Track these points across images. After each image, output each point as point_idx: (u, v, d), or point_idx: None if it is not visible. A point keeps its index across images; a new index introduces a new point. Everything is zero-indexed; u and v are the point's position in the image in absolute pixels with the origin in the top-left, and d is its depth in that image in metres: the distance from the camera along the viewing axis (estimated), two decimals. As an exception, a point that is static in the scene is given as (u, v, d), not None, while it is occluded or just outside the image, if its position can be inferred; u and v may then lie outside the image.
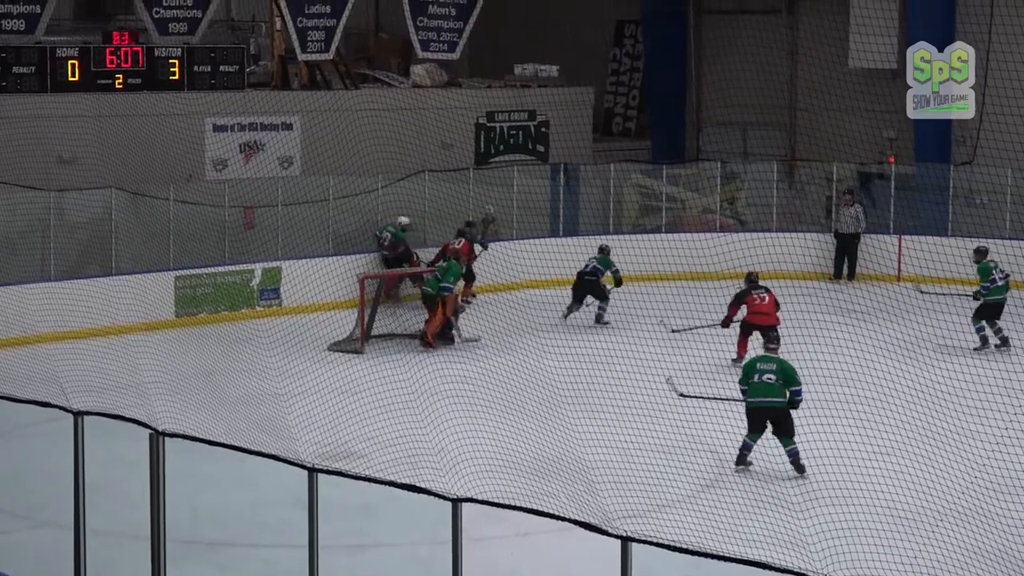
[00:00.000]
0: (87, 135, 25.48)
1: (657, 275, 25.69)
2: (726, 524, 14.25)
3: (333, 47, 29.34)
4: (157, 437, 10.78)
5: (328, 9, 28.93)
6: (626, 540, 8.86)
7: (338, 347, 22.73)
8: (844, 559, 12.87)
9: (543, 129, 32.02)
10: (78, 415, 11.27)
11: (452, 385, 18.65)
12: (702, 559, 8.81)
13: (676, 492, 15.60)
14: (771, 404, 16.38)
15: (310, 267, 25.01)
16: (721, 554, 8.80)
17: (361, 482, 10.34)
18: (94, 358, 19.82)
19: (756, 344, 20.38)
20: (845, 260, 28.87)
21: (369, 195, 27.12)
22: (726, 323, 22.13)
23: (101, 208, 24.47)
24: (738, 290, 22.18)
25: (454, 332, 23.21)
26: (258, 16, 32.92)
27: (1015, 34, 28.06)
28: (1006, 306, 22.97)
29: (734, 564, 8.66)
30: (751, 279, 22.21)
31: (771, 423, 16.39)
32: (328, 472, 10.16)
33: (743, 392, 16.71)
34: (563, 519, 9.41)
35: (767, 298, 21.70)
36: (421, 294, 23.95)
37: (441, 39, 30.89)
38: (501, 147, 31.49)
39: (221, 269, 25.17)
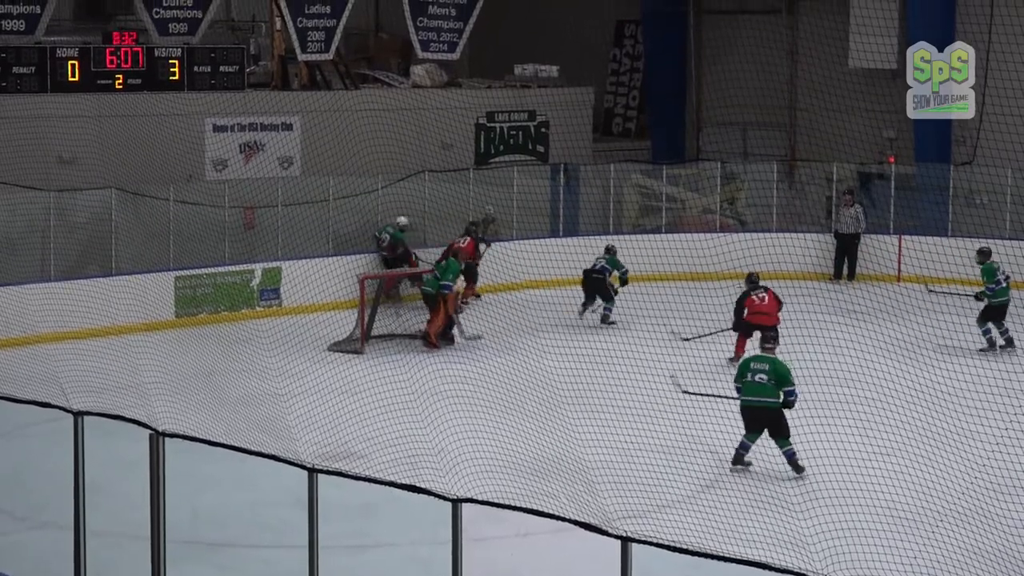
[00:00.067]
0: (87, 135, 25.49)
1: (657, 275, 25.69)
2: (726, 524, 14.25)
3: (333, 47, 29.34)
4: (157, 437, 10.78)
5: (328, 9, 28.93)
6: (626, 540, 8.86)
7: (338, 347, 22.73)
8: (844, 559, 12.87)
9: (543, 129, 32.03)
10: (78, 415, 11.27)
11: (452, 385, 18.65)
12: (702, 559, 8.81)
13: (676, 492, 15.61)
14: (763, 404, 16.40)
15: (310, 267, 25.01)
16: (721, 554, 8.80)
17: (361, 482, 10.34)
18: (94, 358, 19.82)
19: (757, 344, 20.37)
20: (845, 260, 28.87)
21: (369, 195, 27.12)
22: (737, 327, 22.12)
23: (101, 208, 24.47)
24: (740, 292, 22.19)
25: (455, 331, 23.21)
26: (258, 16, 32.93)
27: (1015, 34, 28.07)
28: (1008, 307, 22.97)
29: (734, 564, 8.66)
30: (751, 280, 22.22)
31: (765, 424, 16.41)
32: (328, 472, 10.16)
33: (737, 391, 16.77)
34: (563, 519, 9.41)
35: (766, 298, 21.73)
36: (421, 294, 23.94)
37: (441, 39, 30.89)
38: (501, 147, 31.49)
39: (221, 269, 25.17)
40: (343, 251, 26.41)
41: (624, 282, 25.08)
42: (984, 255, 23.37)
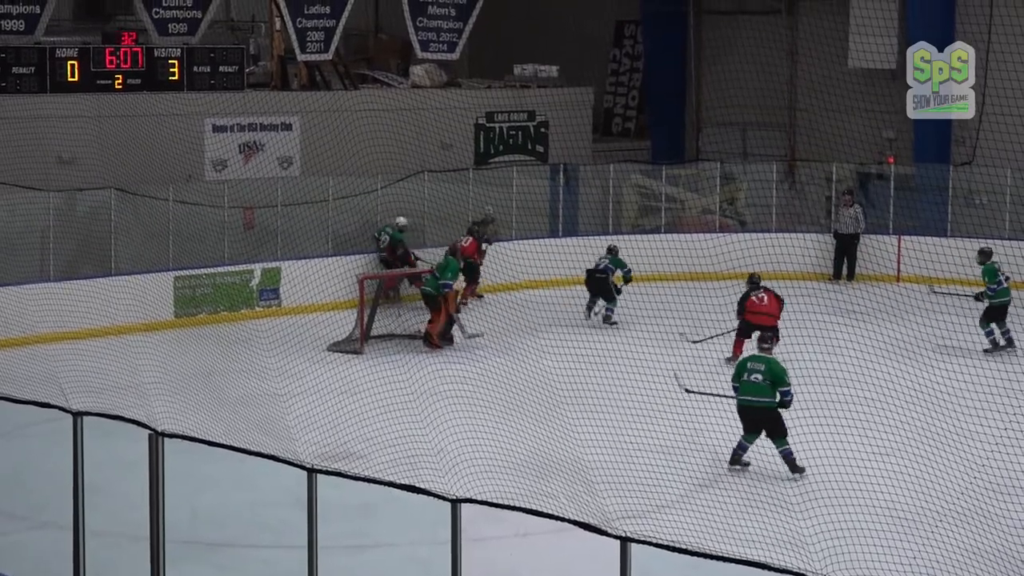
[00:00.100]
0: (86, 135, 25.49)
1: (656, 275, 25.67)
2: (725, 524, 14.25)
3: (332, 48, 29.35)
4: (156, 437, 10.78)
5: (327, 10, 28.94)
6: (625, 540, 8.86)
7: (337, 347, 22.73)
8: (843, 559, 12.88)
9: (542, 129, 32.03)
10: (77, 415, 11.27)
11: (451, 386, 18.64)
12: (701, 559, 8.81)
13: (675, 492, 15.62)
14: (757, 404, 16.43)
15: (309, 267, 25.00)
16: (720, 554, 8.81)
17: (360, 483, 10.34)
18: (93, 358, 19.82)
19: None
20: (844, 260, 28.88)
21: (368, 195, 27.12)
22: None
23: (100, 208, 24.47)
24: (741, 292, 22.22)
25: (455, 330, 23.20)
26: (257, 16, 32.94)
27: (1014, 34, 28.07)
28: (1009, 307, 22.96)
29: (733, 564, 8.67)
30: (752, 281, 22.26)
31: (761, 423, 16.43)
32: (327, 472, 10.16)
33: (735, 390, 16.79)
34: (562, 519, 9.41)
35: (765, 299, 21.79)
36: (422, 295, 23.90)
37: (441, 39, 30.89)
38: (500, 147, 31.50)
39: (220, 269, 25.17)
40: (342, 251, 26.41)
41: (628, 280, 25.12)
42: (985, 255, 23.36)
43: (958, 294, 23.24)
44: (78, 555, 11.46)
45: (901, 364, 20.16)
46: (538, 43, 34.31)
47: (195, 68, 27.24)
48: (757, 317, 21.49)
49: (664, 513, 14.73)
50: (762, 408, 16.39)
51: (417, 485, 9.98)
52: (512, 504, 9.90)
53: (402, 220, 26.55)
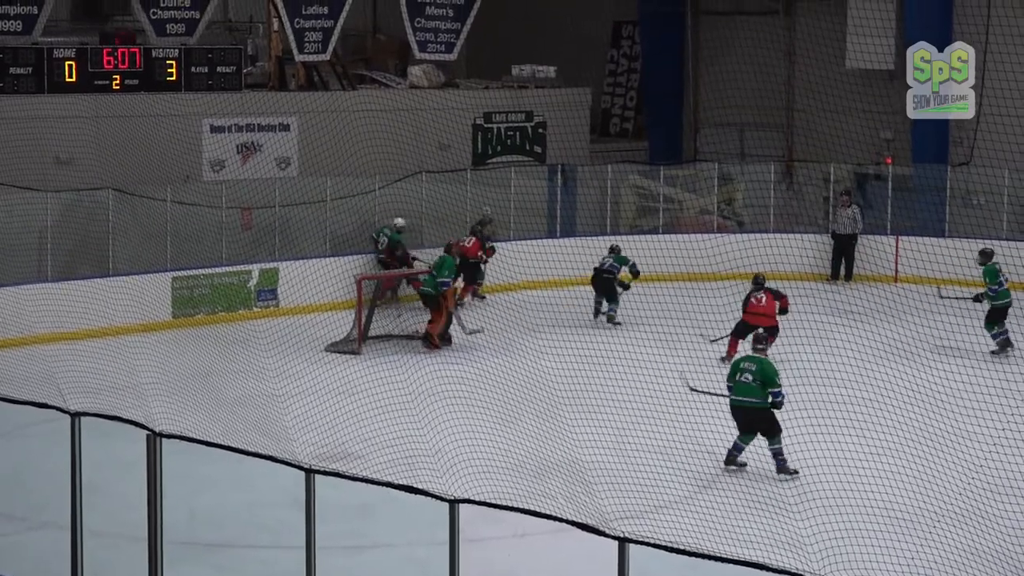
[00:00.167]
0: (84, 136, 25.47)
1: (655, 276, 25.68)
2: (723, 525, 14.25)
3: (330, 48, 29.35)
4: (154, 438, 10.78)
5: (325, 10, 28.93)
6: (623, 541, 8.86)
7: (335, 348, 22.73)
8: (841, 560, 12.88)
9: (540, 130, 32.03)
10: (75, 416, 11.27)
11: (449, 386, 18.64)
12: (699, 560, 8.81)
13: (673, 493, 15.62)
14: (748, 404, 16.50)
15: (307, 268, 25.00)
16: (718, 555, 8.81)
17: (358, 483, 10.34)
18: (91, 359, 19.82)
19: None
20: (842, 261, 28.89)
21: (366, 196, 27.12)
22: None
23: (98, 209, 24.46)
24: (740, 292, 22.29)
25: (453, 329, 23.19)
26: (255, 17, 32.90)
27: (1012, 35, 28.11)
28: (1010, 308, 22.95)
29: (731, 565, 8.67)
30: (756, 281, 22.37)
31: (753, 424, 16.46)
32: (325, 473, 10.16)
33: (729, 390, 16.83)
34: (560, 520, 9.41)
35: (764, 299, 21.86)
36: (421, 296, 23.87)
37: (438, 40, 30.89)
38: (498, 148, 31.50)
39: (218, 270, 25.16)
40: (340, 252, 26.40)
41: (636, 274, 25.17)
42: (986, 256, 23.34)
43: (966, 297, 23.17)
44: (76, 555, 11.46)
45: (899, 364, 20.16)
46: (536, 44, 34.31)
47: (193, 69, 27.22)
48: (754, 318, 21.60)
49: (662, 513, 14.73)
50: (753, 408, 16.44)
51: (415, 485, 9.98)
52: (510, 505, 9.91)
53: (400, 221, 26.54)
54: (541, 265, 25.64)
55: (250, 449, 11.10)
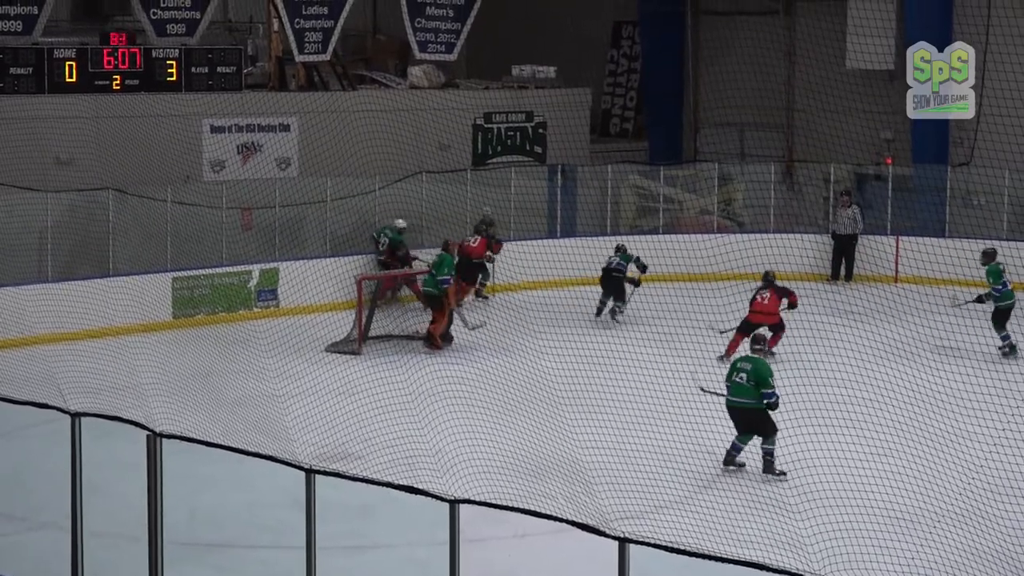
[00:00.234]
0: (84, 136, 25.47)
1: (655, 276, 25.67)
2: (723, 525, 14.25)
3: (330, 48, 29.35)
4: (154, 438, 10.78)
5: (325, 10, 28.93)
6: (623, 541, 8.86)
7: (335, 348, 22.73)
8: (841, 560, 12.88)
9: (540, 130, 32.03)
10: (76, 416, 11.27)
11: (449, 386, 18.64)
12: (699, 560, 8.81)
13: (673, 493, 15.62)
14: (741, 404, 16.56)
15: (307, 268, 25.01)
16: (718, 555, 8.81)
17: (358, 483, 10.34)
18: (91, 359, 19.82)
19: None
20: (842, 261, 28.89)
21: (366, 196, 27.12)
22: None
23: (98, 209, 24.46)
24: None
25: (454, 328, 23.18)
26: (255, 17, 32.91)
27: (1012, 35, 28.11)
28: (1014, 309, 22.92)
29: (731, 565, 8.67)
30: (766, 278, 22.51)
31: (748, 424, 16.49)
32: (325, 473, 10.16)
33: (727, 389, 16.87)
34: (560, 520, 9.41)
35: (768, 297, 22.02)
36: (424, 296, 23.82)
37: (439, 40, 30.89)
38: (498, 148, 31.50)
39: (218, 270, 25.16)
40: (340, 252, 26.41)
41: (644, 268, 25.21)
42: (989, 256, 23.32)
43: (974, 301, 23.12)
44: (76, 556, 11.46)
45: (899, 365, 20.16)
46: (536, 44, 34.32)
47: (193, 69, 27.22)
48: (756, 316, 21.81)
49: (662, 514, 14.73)
50: (747, 409, 16.50)
51: (415, 486, 9.98)
52: (510, 505, 9.91)
53: (401, 223, 26.53)
54: (541, 265, 25.64)
55: (250, 449, 11.10)
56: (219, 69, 27.52)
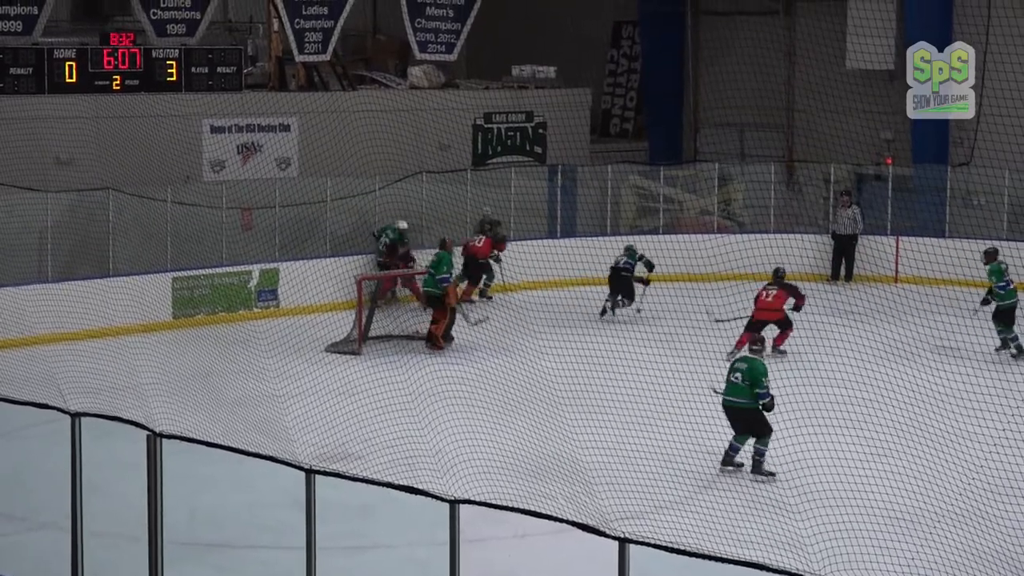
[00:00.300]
0: (84, 136, 25.46)
1: (654, 276, 25.67)
2: (723, 526, 14.25)
3: (330, 48, 29.35)
4: (155, 438, 10.78)
5: (325, 10, 28.93)
6: (624, 541, 8.86)
7: (335, 348, 22.73)
8: (841, 560, 12.88)
9: (540, 130, 32.04)
10: (76, 416, 11.27)
11: (449, 386, 18.64)
12: (699, 560, 8.81)
13: (673, 494, 15.62)
14: (735, 404, 16.60)
15: (308, 268, 25.01)
16: (718, 555, 8.81)
17: (359, 483, 10.34)
18: (91, 359, 19.82)
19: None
20: (842, 261, 28.90)
21: (366, 196, 27.12)
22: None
23: (98, 209, 24.46)
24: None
25: (456, 325, 23.18)
26: (255, 17, 32.91)
27: (1012, 35, 28.11)
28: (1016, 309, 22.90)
29: (731, 565, 8.67)
30: (776, 275, 22.60)
31: (742, 423, 16.51)
32: (326, 473, 10.16)
33: (725, 389, 16.92)
34: (561, 520, 9.41)
35: (773, 294, 22.11)
36: (425, 296, 23.81)
37: (439, 40, 30.89)
38: (499, 148, 31.50)
39: (218, 270, 25.16)
40: (340, 252, 26.40)
41: (651, 267, 25.24)
42: (991, 256, 23.32)
43: (987, 302, 23.11)
44: (76, 556, 11.46)
45: (899, 365, 20.15)
46: (536, 44, 34.32)
47: (193, 69, 27.22)
48: (760, 313, 21.95)
49: (662, 514, 14.73)
50: (741, 408, 16.54)
51: (415, 486, 9.98)
52: (510, 505, 9.91)
53: (403, 224, 26.52)
54: (541, 265, 25.65)
55: (250, 449, 11.10)
56: (219, 69, 27.53)
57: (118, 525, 13.15)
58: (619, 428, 17.27)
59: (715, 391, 17.66)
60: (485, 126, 31.37)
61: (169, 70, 26.98)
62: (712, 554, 8.86)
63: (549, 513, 9.65)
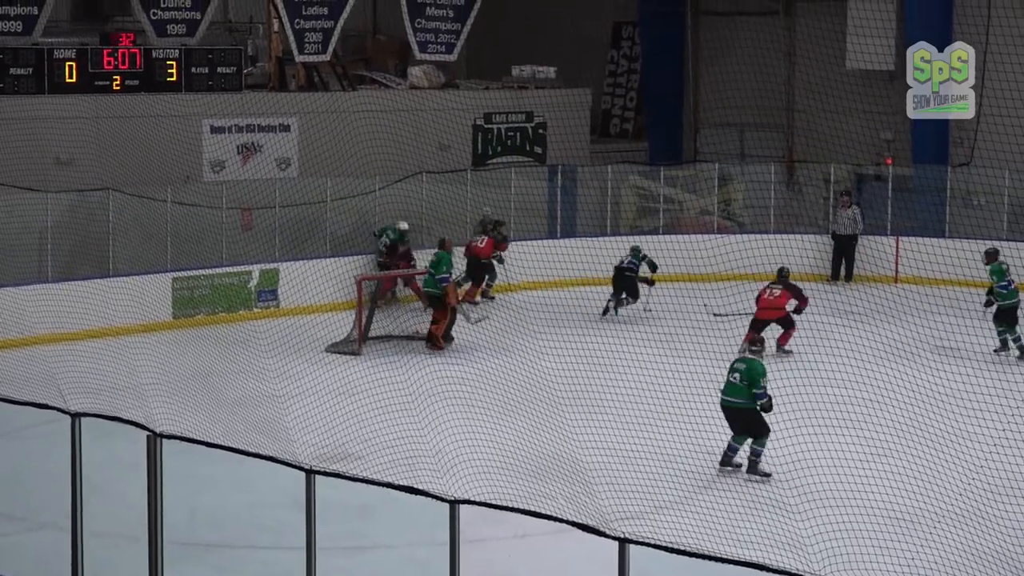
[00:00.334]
0: (84, 136, 25.46)
1: (654, 277, 25.67)
2: (723, 526, 14.25)
3: (330, 49, 29.35)
4: (155, 438, 10.78)
5: (325, 11, 28.93)
6: (624, 542, 8.86)
7: (335, 349, 22.73)
8: (841, 560, 12.88)
9: (540, 131, 32.03)
10: (76, 417, 11.27)
11: (449, 387, 18.65)
12: (699, 560, 8.81)
13: (673, 494, 15.62)
14: (733, 404, 16.61)
15: (308, 268, 25.01)
16: (718, 555, 8.81)
17: (359, 484, 10.34)
18: (91, 360, 19.82)
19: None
20: (843, 261, 28.90)
21: (366, 196, 27.12)
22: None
23: (98, 209, 24.46)
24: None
25: (456, 324, 23.19)
26: (255, 18, 32.90)
27: (1012, 35, 28.11)
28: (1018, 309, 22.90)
29: (731, 565, 8.67)
30: (780, 274, 22.62)
31: (740, 423, 16.52)
32: (326, 474, 10.16)
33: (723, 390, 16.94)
34: (561, 521, 9.41)
35: (776, 293, 22.17)
36: (425, 296, 23.81)
37: (439, 40, 30.89)
38: (499, 148, 31.50)
39: (219, 270, 25.17)
40: (341, 252, 26.41)
41: (654, 267, 25.25)
42: (992, 256, 23.33)
43: (990, 303, 23.09)
44: (76, 556, 11.46)
45: (899, 365, 20.15)
46: (536, 44, 34.32)
47: (193, 69, 27.22)
48: (762, 312, 21.94)
49: (662, 514, 14.73)
50: (739, 408, 16.54)
51: (415, 486, 9.98)
52: (510, 505, 9.91)
53: (404, 225, 26.51)
54: (541, 266, 25.65)
55: (250, 450, 11.10)
56: (219, 69, 27.53)
57: (118, 525, 13.15)
58: (619, 428, 17.28)
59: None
60: (485, 126, 31.37)
61: (169, 70, 26.98)
62: (712, 554, 8.86)
63: (549, 513, 9.65)
